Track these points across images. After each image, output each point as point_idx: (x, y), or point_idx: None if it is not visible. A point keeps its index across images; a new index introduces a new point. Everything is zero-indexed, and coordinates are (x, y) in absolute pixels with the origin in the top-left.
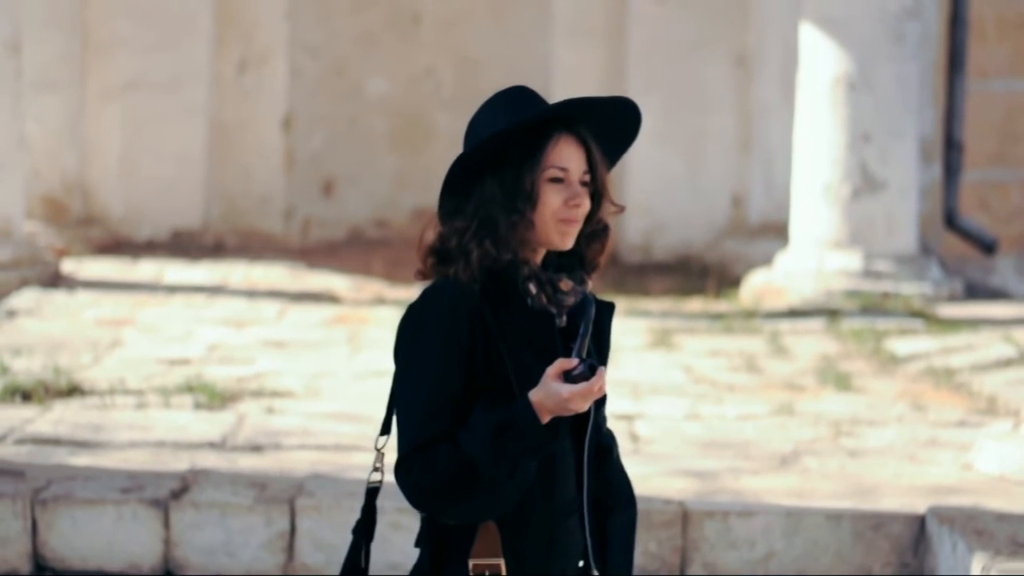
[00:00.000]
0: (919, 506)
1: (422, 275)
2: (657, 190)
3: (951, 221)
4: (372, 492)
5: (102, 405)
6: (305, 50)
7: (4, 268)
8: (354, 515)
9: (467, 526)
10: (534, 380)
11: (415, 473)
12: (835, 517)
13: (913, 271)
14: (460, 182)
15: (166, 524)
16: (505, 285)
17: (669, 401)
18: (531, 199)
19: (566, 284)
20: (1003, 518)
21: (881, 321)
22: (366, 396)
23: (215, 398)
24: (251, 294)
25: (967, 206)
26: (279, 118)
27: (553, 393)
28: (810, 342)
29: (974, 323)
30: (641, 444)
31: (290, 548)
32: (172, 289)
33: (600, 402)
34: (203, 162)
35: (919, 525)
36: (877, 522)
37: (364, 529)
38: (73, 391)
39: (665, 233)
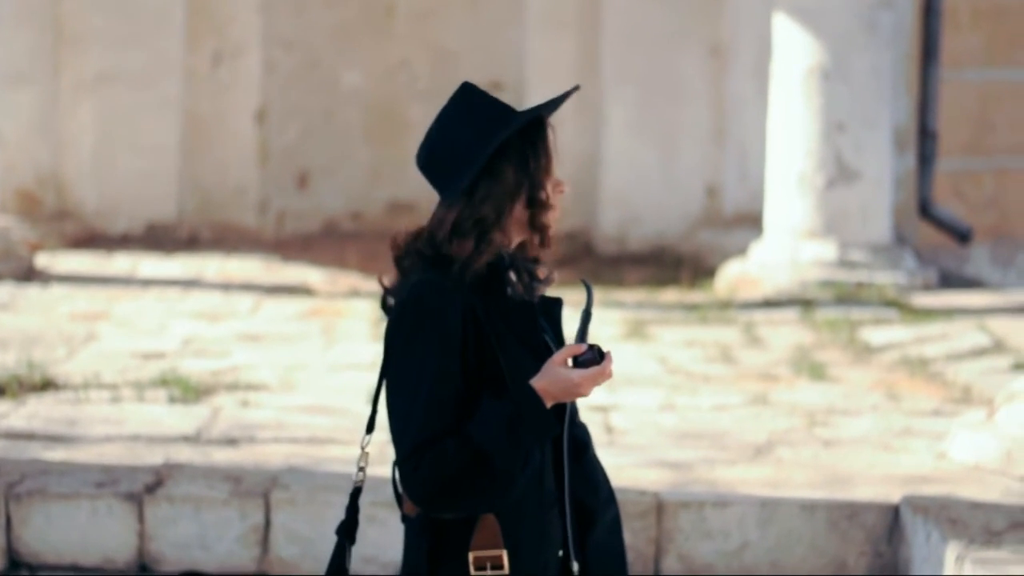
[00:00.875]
0: (893, 495)
1: (401, 268)
2: (632, 181)
3: (925, 210)
4: (356, 492)
5: (76, 399)
6: (279, 43)
7: None
8: (329, 509)
9: (466, 519)
10: (523, 369)
11: (424, 469)
12: (809, 507)
13: (888, 261)
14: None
15: (140, 518)
16: (492, 276)
17: (644, 392)
18: (535, 191)
19: (542, 271)
20: (977, 507)
21: (855, 311)
22: (341, 389)
23: (189, 392)
24: (226, 287)
25: (941, 195)
26: (253, 111)
27: (562, 379)
28: (785, 332)
29: (949, 312)
30: (616, 435)
31: (265, 541)
32: (147, 283)
33: None
34: (177, 155)
35: (893, 515)
36: (851, 512)
37: (348, 530)
38: (47, 385)
39: (640, 224)
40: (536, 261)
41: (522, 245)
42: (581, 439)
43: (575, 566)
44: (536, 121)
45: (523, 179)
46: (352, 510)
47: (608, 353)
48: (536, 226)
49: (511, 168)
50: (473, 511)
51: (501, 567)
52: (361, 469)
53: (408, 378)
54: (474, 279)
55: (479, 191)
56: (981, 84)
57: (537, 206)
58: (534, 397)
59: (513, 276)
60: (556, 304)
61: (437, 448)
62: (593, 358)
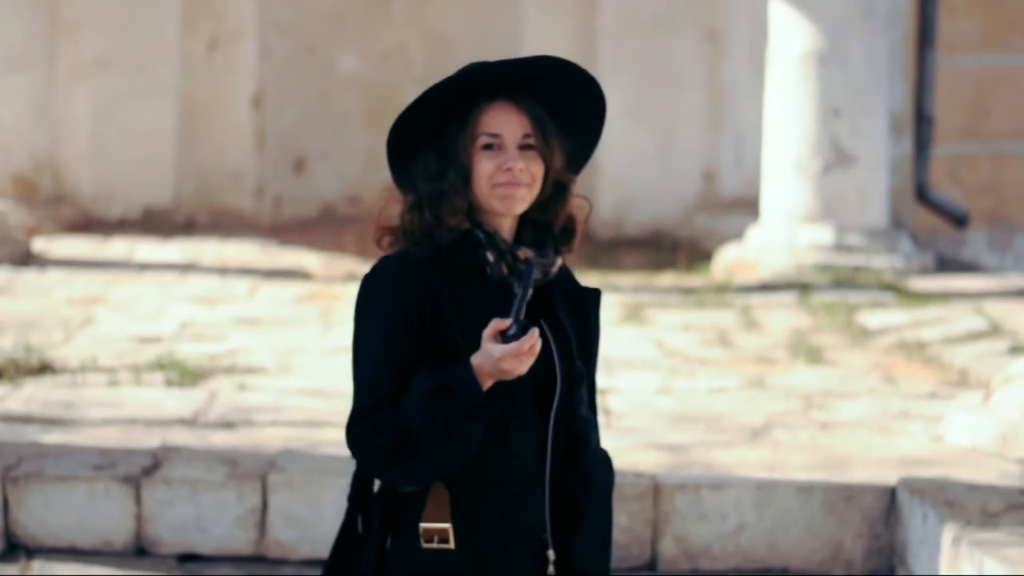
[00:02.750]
0: (890, 478)
1: (379, 246)
2: (628, 166)
3: (922, 195)
4: None
5: (73, 383)
6: (275, 28)
7: None
8: (326, 491)
9: (420, 490)
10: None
11: (360, 438)
12: (806, 489)
13: (884, 245)
14: (407, 156)
15: (138, 501)
16: (463, 255)
17: (641, 375)
18: (463, 168)
19: (524, 252)
20: (973, 489)
21: (852, 295)
22: (338, 372)
23: (187, 375)
24: (223, 271)
25: (938, 180)
26: (249, 96)
27: (487, 354)
28: (781, 316)
29: (945, 296)
30: (613, 418)
31: (262, 524)
32: (143, 267)
33: (575, 382)
34: (174, 140)
35: (890, 497)
36: (848, 494)
37: (356, 499)
38: (44, 369)
39: (637, 208)
40: (542, 244)
41: (539, 228)
42: (580, 432)
43: (551, 554)
44: (477, 95)
45: (447, 157)
46: (357, 480)
47: (533, 330)
48: (494, 208)
49: (441, 144)
50: (410, 481)
51: (447, 541)
52: None
53: (357, 350)
54: (442, 256)
55: (419, 168)
56: (977, 69)
57: (460, 184)
58: (468, 373)
59: (490, 256)
60: (588, 294)
61: (374, 418)
62: (515, 334)
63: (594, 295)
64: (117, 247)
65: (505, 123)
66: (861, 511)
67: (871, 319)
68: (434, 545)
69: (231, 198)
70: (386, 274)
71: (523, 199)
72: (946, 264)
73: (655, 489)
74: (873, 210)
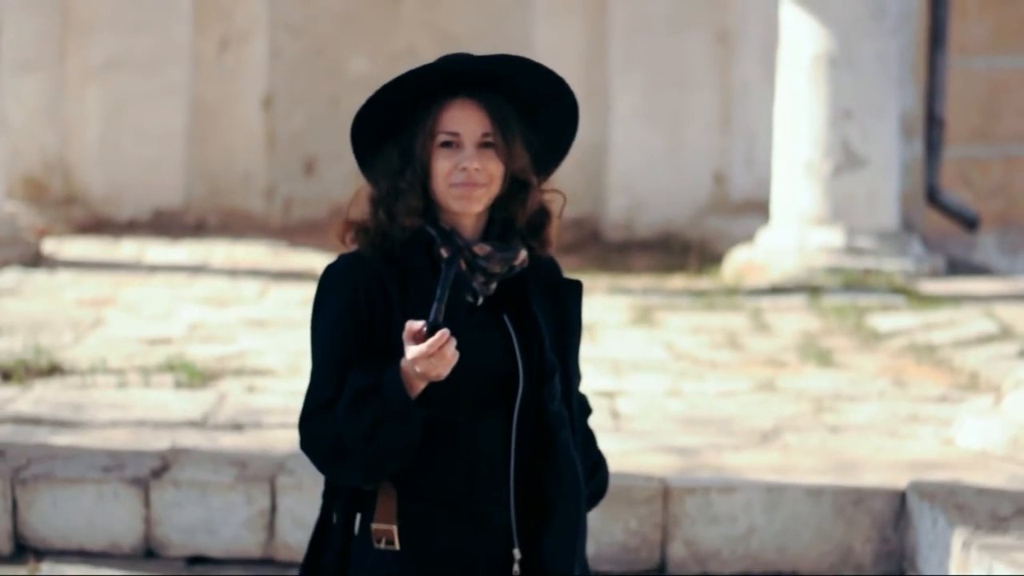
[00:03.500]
0: (900, 481)
1: (343, 241)
2: (639, 168)
3: (933, 197)
4: None
5: (83, 384)
6: (285, 29)
7: None
8: None
9: (374, 489)
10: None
11: (307, 439)
12: (816, 493)
13: (895, 247)
14: (370, 149)
15: (147, 503)
16: (415, 253)
17: (650, 378)
18: (422, 165)
19: (482, 248)
20: (983, 492)
21: (863, 297)
22: None
23: (196, 377)
24: (232, 273)
25: (949, 182)
26: (260, 97)
27: (405, 356)
28: (792, 319)
29: (956, 299)
30: (622, 421)
31: (271, 526)
32: (153, 268)
33: (546, 376)
34: (184, 142)
35: (900, 500)
36: (858, 497)
37: (331, 493)
38: (54, 370)
39: (647, 211)
40: (508, 240)
41: (507, 224)
42: (550, 427)
43: (516, 552)
44: (439, 93)
45: (407, 153)
46: None
47: (442, 331)
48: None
49: (403, 141)
50: (352, 481)
51: (393, 543)
52: None
53: (312, 350)
54: (396, 254)
55: (380, 163)
56: (989, 71)
57: (437, 183)
58: (394, 375)
59: (444, 252)
60: (568, 286)
61: (319, 419)
62: (427, 335)
63: (574, 287)
64: (127, 248)
65: (464, 121)
66: (871, 515)
67: (881, 322)
68: (382, 546)
69: (241, 199)
70: (337, 275)
71: (479, 199)
72: (957, 267)
73: (664, 492)
74: (883, 212)
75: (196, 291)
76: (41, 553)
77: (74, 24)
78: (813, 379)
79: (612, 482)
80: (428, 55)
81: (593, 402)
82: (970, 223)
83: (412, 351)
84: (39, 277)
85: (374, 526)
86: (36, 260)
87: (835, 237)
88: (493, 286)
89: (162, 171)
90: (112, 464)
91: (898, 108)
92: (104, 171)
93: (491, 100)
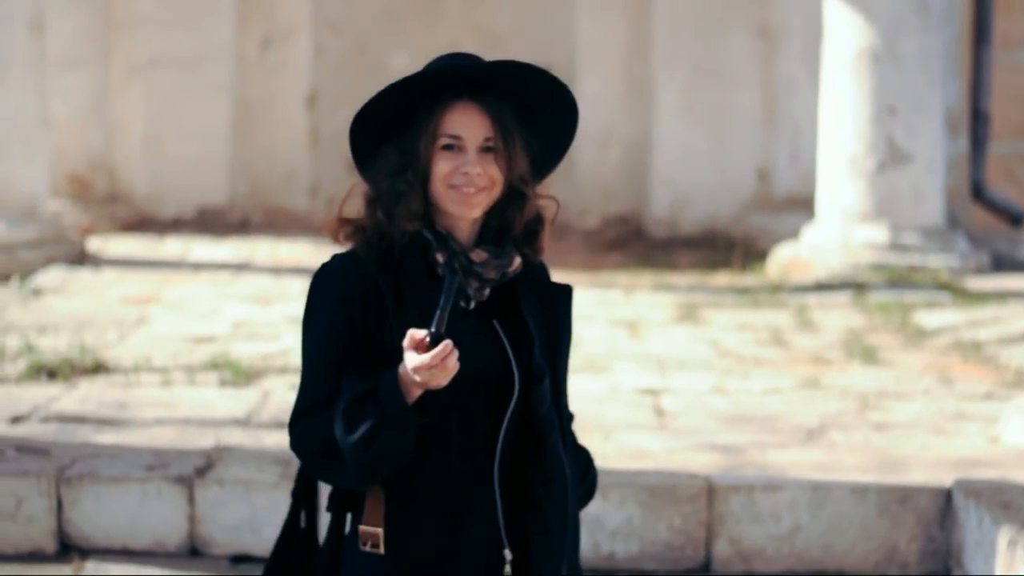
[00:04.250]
0: (945, 479)
1: (336, 239)
2: (682, 164)
3: (978, 193)
4: None
5: (127, 383)
6: (328, 27)
7: (30, 246)
8: None
9: (364, 491)
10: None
11: (297, 439)
12: (861, 491)
13: (940, 244)
14: (370, 149)
15: (191, 501)
16: (412, 256)
17: (695, 375)
18: (423, 167)
19: (478, 255)
20: None
21: (908, 294)
22: None
23: (240, 375)
24: (276, 271)
25: (994, 178)
26: (303, 95)
27: (406, 363)
28: (837, 316)
29: (1002, 296)
30: (667, 419)
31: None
32: (197, 266)
33: (534, 378)
34: (228, 139)
35: (945, 499)
36: (903, 496)
37: (299, 493)
38: (98, 369)
39: (691, 207)
40: (502, 246)
41: (502, 229)
42: (539, 430)
43: (507, 553)
44: (443, 95)
45: (408, 155)
46: (302, 474)
47: (445, 343)
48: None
49: (404, 142)
50: (342, 484)
51: (379, 547)
52: None
53: (303, 351)
54: (393, 256)
55: (380, 163)
56: None
57: (416, 184)
58: (392, 381)
59: (440, 257)
60: (557, 291)
61: (312, 419)
62: (431, 345)
63: (564, 292)
64: (171, 246)
65: (467, 125)
66: (916, 513)
67: (927, 319)
68: (368, 549)
69: (285, 197)
70: (331, 274)
71: (479, 203)
72: (1002, 263)
73: (709, 490)
74: (928, 209)
75: (240, 289)
76: (85, 552)
77: (117, 22)
78: (858, 376)
79: (657, 480)
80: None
81: (637, 399)
82: (1015, 219)
83: (414, 360)
84: (84, 275)
85: (361, 528)
86: (81, 258)
87: (880, 233)
88: (486, 292)
89: (206, 169)
90: (156, 463)
91: (942, 104)
92: (148, 169)
93: (493, 104)
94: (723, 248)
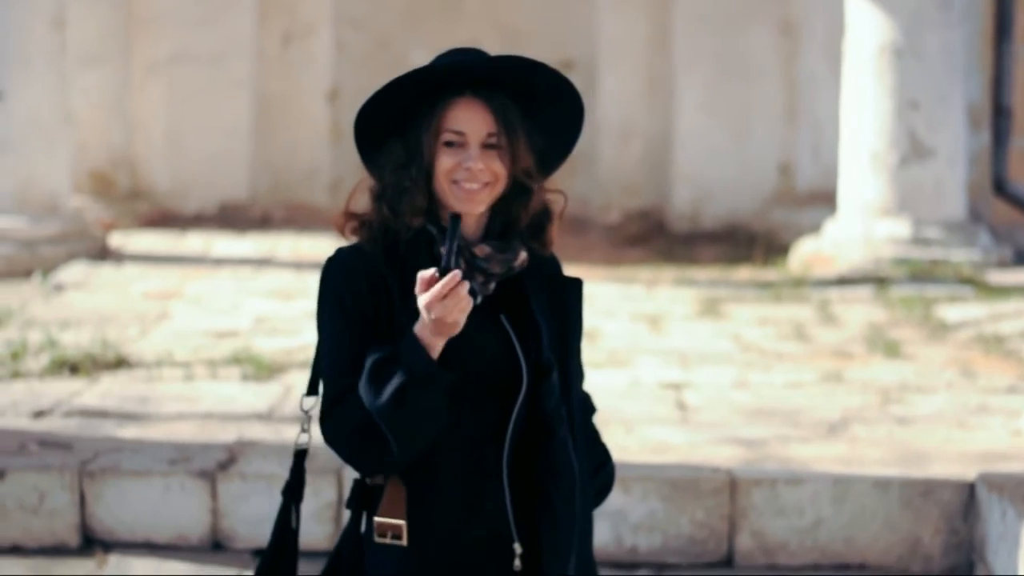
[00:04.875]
0: (968, 473)
1: (342, 232)
2: (704, 159)
3: (1000, 188)
4: (300, 454)
5: (149, 377)
6: (349, 23)
7: (52, 242)
8: None
9: (380, 485)
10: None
11: (332, 430)
12: (884, 484)
13: (962, 238)
14: (375, 143)
15: (213, 495)
16: (417, 251)
17: (717, 369)
18: (424, 164)
19: (482, 249)
20: None
21: (930, 288)
22: None
23: (262, 369)
24: (298, 266)
25: (1016, 173)
26: (324, 91)
27: (420, 310)
28: (859, 310)
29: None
30: (689, 413)
31: (338, 518)
32: (219, 262)
33: (543, 371)
34: (249, 135)
35: (968, 492)
36: (926, 489)
37: (293, 491)
38: (120, 364)
39: (713, 202)
40: (508, 240)
41: (508, 223)
42: (548, 423)
43: (517, 547)
44: (446, 91)
45: (412, 150)
46: (296, 471)
47: (454, 272)
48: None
49: (408, 137)
50: (386, 466)
51: (400, 538)
52: (304, 431)
53: (321, 342)
54: (399, 251)
55: (385, 158)
56: None
57: (419, 179)
58: (410, 339)
59: (443, 250)
60: (569, 285)
61: (342, 406)
62: (439, 278)
63: (575, 286)
64: (193, 242)
65: (470, 121)
66: (939, 506)
67: (949, 313)
68: (387, 540)
69: (306, 193)
70: (340, 266)
71: (482, 199)
72: None
73: (731, 484)
74: (951, 203)
75: (262, 284)
76: (108, 545)
77: (138, 18)
78: (880, 370)
79: (680, 474)
80: (492, 48)
81: (660, 394)
82: None
83: (425, 297)
84: (106, 271)
85: (378, 519)
86: (103, 254)
87: (902, 228)
88: (492, 286)
89: (227, 165)
90: (179, 457)
91: (964, 98)
92: (169, 165)
93: (496, 100)
94: (745, 243)
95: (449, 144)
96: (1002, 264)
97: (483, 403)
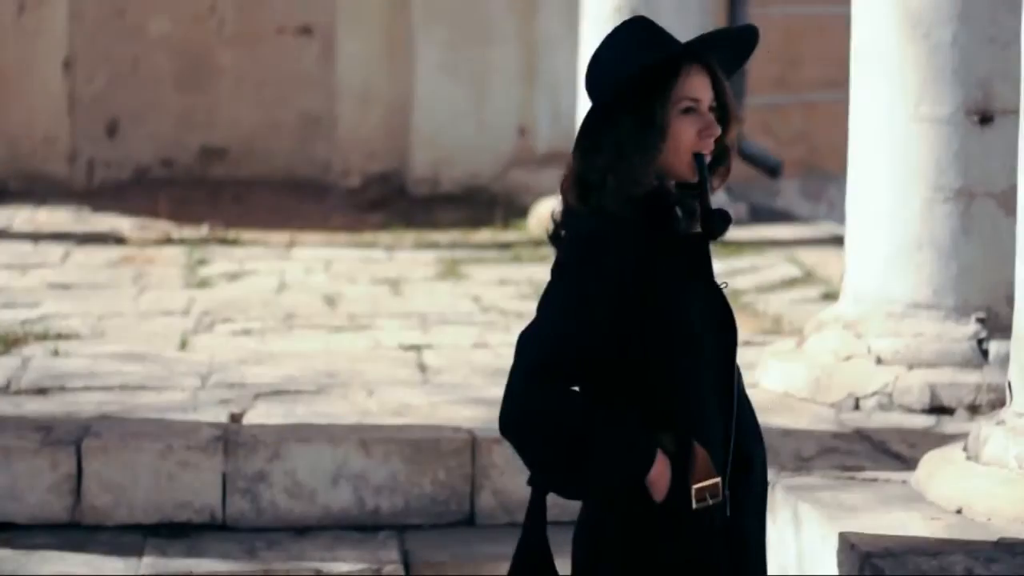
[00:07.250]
0: None
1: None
2: (443, 123)
3: (736, 147)
4: None
5: None
6: None
7: None
8: (141, 455)
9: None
10: (690, 321)
11: (526, 398)
12: None
13: None
14: (592, 118)
15: None
16: (661, 215)
17: (458, 331)
18: (663, 133)
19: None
20: (788, 434)
21: None
22: (152, 336)
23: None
24: (35, 237)
25: (751, 131)
26: (60, 60)
27: (657, 479)
28: None
29: (759, 245)
30: (430, 374)
31: (77, 491)
32: None
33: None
34: None
35: None
36: None
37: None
38: None
39: (452, 165)
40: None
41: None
42: (742, 386)
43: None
44: (678, 58)
45: (645, 120)
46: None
47: (697, 448)
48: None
49: (643, 107)
50: (531, 462)
51: (717, 495)
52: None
53: (549, 312)
54: (642, 215)
55: (615, 130)
56: (785, 19)
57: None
58: (648, 454)
59: (679, 212)
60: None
61: (543, 385)
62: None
63: (704, 240)
64: None
65: (701, 88)
66: None
67: None
68: (708, 502)
69: (43, 164)
70: (605, 244)
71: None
72: (760, 214)
73: (473, 443)
74: None
75: None
76: None
77: None
78: None
79: (421, 435)
80: (229, 14)
81: (401, 356)
82: (772, 170)
83: (656, 487)
84: None
85: (696, 487)
86: None
87: None
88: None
89: None
90: None
91: None
92: None
93: (713, 65)
94: (485, 205)
95: (686, 111)
96: (737, 220)
97: (718, 369)
